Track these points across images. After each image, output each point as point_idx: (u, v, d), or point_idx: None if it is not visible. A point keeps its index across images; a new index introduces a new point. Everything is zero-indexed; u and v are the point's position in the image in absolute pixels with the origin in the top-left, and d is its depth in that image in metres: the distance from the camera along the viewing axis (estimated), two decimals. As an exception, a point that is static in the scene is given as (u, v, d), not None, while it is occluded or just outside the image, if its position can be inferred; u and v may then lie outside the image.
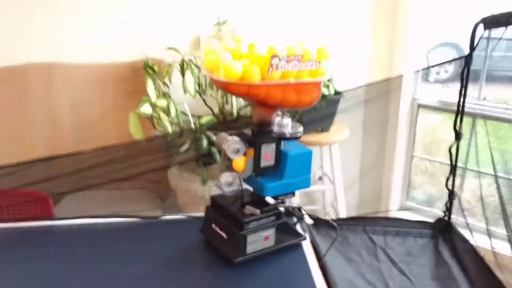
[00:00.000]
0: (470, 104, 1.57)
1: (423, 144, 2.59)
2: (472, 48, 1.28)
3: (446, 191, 1.53)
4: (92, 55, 1.85)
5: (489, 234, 1.53)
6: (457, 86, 2.12)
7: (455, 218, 1.55)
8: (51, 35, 1.84)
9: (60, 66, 1.81)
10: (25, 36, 1.79)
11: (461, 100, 1.39)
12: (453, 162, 1.47)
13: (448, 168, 1.49)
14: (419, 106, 2.40)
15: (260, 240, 1.06)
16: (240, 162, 1.04)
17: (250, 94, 0.97)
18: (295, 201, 2.01)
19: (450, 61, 1.36)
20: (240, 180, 1.07)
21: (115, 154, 1.58)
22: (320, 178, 2.44)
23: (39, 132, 1.78)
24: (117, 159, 1.62)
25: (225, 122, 1.74)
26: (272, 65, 0.93)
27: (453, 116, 1.45)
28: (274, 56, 0.93)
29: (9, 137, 1.75)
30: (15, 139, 1.76)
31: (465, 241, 1.45)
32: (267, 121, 1.06)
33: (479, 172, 1.69)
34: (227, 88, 0.98)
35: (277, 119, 1.08)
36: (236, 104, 1.76)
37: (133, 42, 1.87)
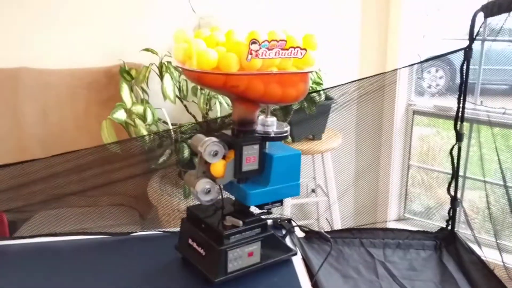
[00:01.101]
0: (468, 110, 1.47)
1: (419, 155, 2.49)
2: (472, 39, 1.18)
3: (444, 203, 1.41)
4: (63, 60, 1.72)
5: (499, 247, 1.40)
6: (449, 100, 2.04)
7: (456, 230, 1.43)
8: (17, 39, 1.71)
9: (27, 72, 1.68)
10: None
11: (462, 97, 1.27)
12: (455, 165, 1.35)
13: (446, 177, 1.37)
14: (414, 112, 2.30)
15: (243, 256, 0.92)
16: (219, 166, 0.92)
17: (227, 86, 0.85)
18: (286, 214, 1.87)
19: (448, 54, 1.25)
20: (220, 187, 0.95)
21: (90, 169, 1.45)
22: (313, 191, 2.31)
23: (4, 143, 1.64)
24: (92, 174, 1.49)
25: (208, 131, 1.61)
26: (251, 51, 0.82)
27: (448, 123, 1.34)
28: (253, 41, 0.81)
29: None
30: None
31: (471, 252, 1.33)
32: (249, 119, 0.94)
33: (484, 181, 1.57)
34: (201, 79, 0.86)
35: (260, 118, 0.96)
36: (220, 110, 1.64)
37: (107, 45, 1.75)
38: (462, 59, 1.25)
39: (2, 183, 1.20)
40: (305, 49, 0.87)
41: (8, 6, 1.71)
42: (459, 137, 1.33)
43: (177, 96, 1.61)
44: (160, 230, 1.13)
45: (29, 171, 1.21)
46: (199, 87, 1.74)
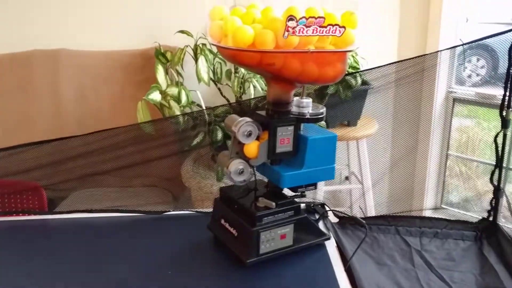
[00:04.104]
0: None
1: (458, 146, 2.40)
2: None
3: (483, 195, 1.34)
4: (100, 43, 1.75)
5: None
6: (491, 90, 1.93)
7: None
8: (56, 21, 1.75)
9: (66, 53, 1.72)
10: (29, 22, 1.71)
11: (509, 82, 1.20)
12: (499, 154, 1.28)
13: (486, 168, 1.31)
14: (455, 100, 2.21)
15: (276, 238, 0.91)
16: (252, 147, 0.90)
17: (263, 63, 0.83)
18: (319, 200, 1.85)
19: (495, 35, 1.18)
20: (253, 169, 0.94)
21: (125, 148, 1.47)
22: (347, 178, 2.27)
23: (42, 122, 1.69)
24: (127, 152, 1.51)
25: (242, 113, 1.60)
26: (288, 28, 0.79)
27: (490, 113, 1.26)
28: (290, 17, 0.79)
29: (10, 127, 1.67)
30: (17, 129, 1.68)
31: (514, 244, 1.26)
32: (284, 100, 0.92)
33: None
34: (236, 57, 0.85)
35: (295, 99, 0.94)
36: (254, 93, 1.62)
37: (143, 28, 1.76)
38: (511, 41, 1.18)
39: (41, 159, 1.23)
40: (343, 27, 0.84)
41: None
42: (505, 123, 1.25)
43: (211, 79, 1.60)
44: (193, 210, 1.14)
45: (66, 148, 1.24)
46: (233, 70, 1.73)
